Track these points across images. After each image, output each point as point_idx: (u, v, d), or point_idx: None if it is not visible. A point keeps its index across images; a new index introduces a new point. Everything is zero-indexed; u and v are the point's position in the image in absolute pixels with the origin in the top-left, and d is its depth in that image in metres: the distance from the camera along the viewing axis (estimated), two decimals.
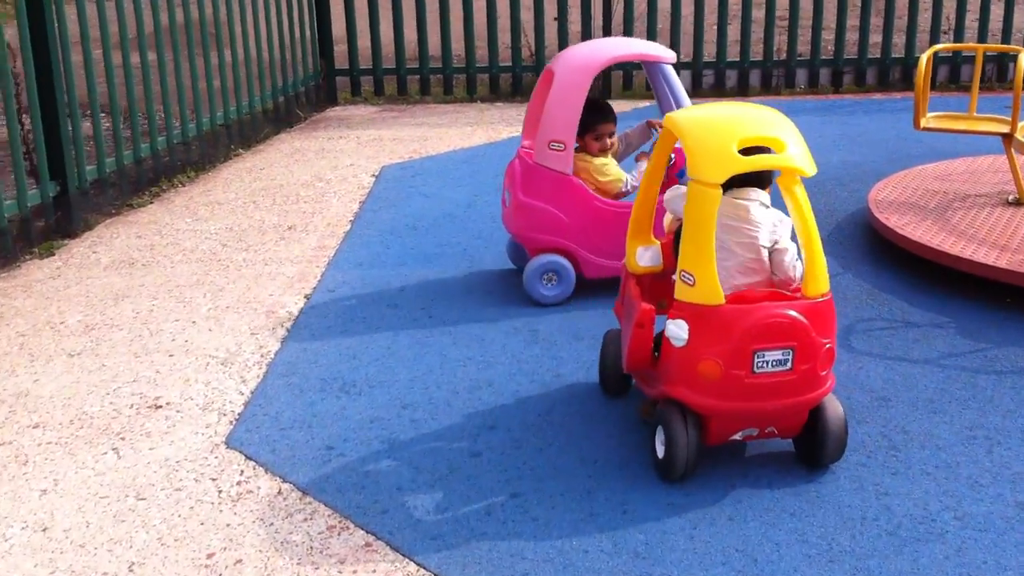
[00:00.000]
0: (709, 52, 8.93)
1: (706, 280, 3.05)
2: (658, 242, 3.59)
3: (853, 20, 8.77)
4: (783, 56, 8.81)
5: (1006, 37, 8.77)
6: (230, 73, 7.68)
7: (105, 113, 6.67)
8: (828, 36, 8.91)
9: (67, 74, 5.82)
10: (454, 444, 3.53)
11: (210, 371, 4.13)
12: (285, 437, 3.62)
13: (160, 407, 3.86)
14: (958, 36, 8.63)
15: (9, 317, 4.72)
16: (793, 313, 3.05)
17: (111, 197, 6.29)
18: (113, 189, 6.34)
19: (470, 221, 5.80)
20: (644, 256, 3.53)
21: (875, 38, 8.95)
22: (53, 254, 5.54)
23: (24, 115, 5.64)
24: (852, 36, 8.84)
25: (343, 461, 3.45)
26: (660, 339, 3.31)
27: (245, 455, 3.52)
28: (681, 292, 3.12)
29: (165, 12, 6.95)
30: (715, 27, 8.70)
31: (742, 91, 8.79)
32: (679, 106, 4.63)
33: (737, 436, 3.21)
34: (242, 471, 3.43)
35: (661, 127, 4.73)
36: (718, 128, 3.15)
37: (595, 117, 4.63)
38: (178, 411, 3.83)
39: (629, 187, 4.66)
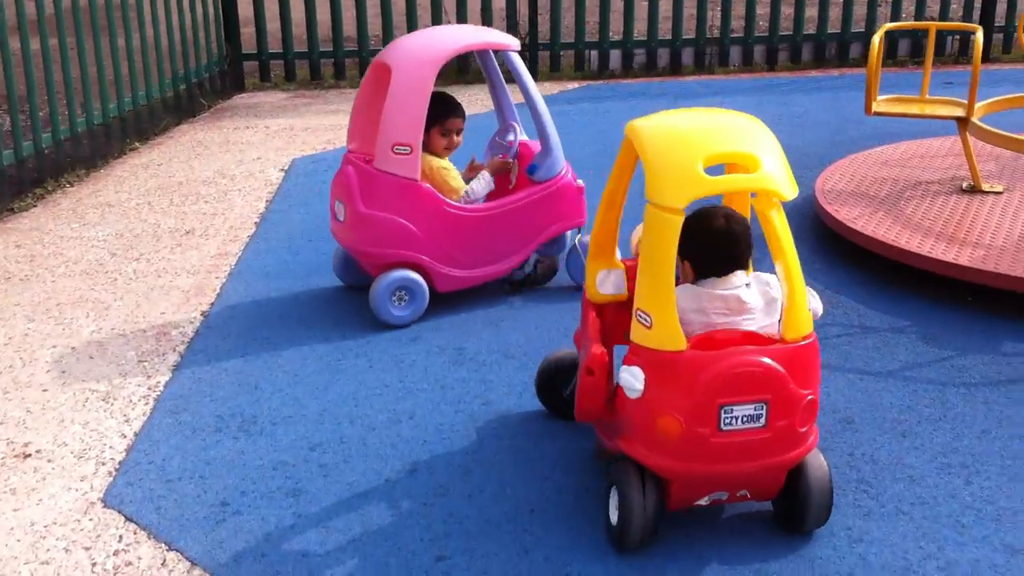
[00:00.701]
0: (640, 30, 8.51)
1: (665, 322, 2.59)
2: (622, 265, 3.12)
3: None
4: (716, 33, 8.43)
5: (968, 9, 8.47)
6: (124, 60, 7.05)
7: None
8: (762, 11, 8.56)
9: None
10: (370, 494, 3.07)
11: (89, 409, 3.61)
12: (172, 491, 3.12)
13: (29, 456, 3.34)
14: (919, 10, 8.28)
15: None
16: (767, 360, 2.58)
17: None
18: None
19: None
20: (606, 282, 3.04)
21: (810, 11, 8.60)
22: None
23: None
24: (787, 11, 8.48)
25: (240, 521, 2.97)
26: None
27: (125, 516, 3.02)
28: (637, 334, 2.66)
29: None
30: (646, 3, 8.28)
31: (674, 70, 8.40)
32: (528, 97, 4.23)
33: (703, 501, 2.76)
34: (120, 536, 2.93)
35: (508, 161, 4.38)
36: (682, 142, 2.68)
37: (442, 110, 4.15)
38: (49, 460, 3.31)
39: (468, 200, 4.20)
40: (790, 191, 2.64)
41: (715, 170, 2.70)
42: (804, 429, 2.66)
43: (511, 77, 4.37)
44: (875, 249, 4.38)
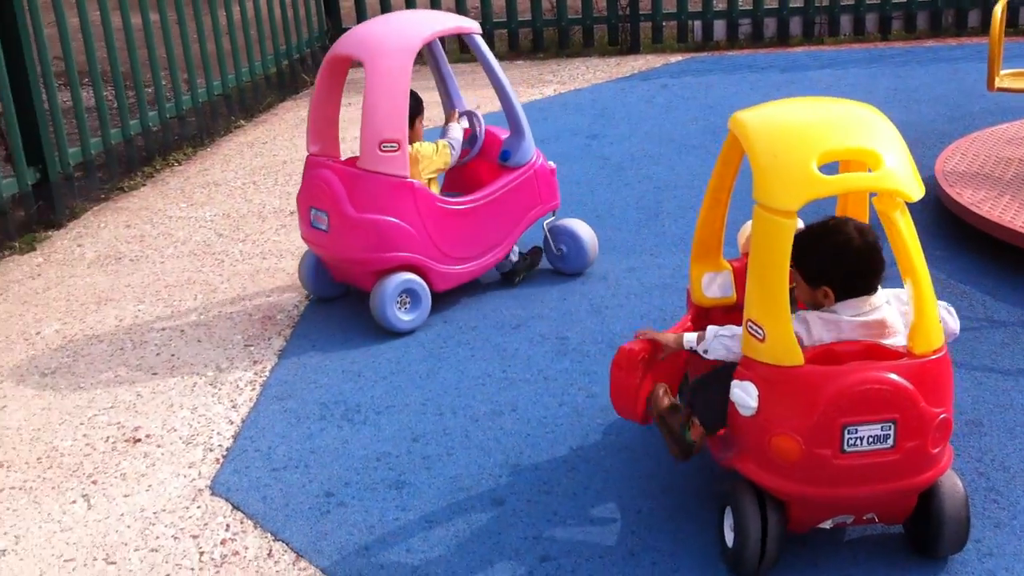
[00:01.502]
0: None
1: (779, 334, 2.43)
2: (729, 267, 3.01)
3: None
4: (826, 2, 8.12)
5: None
6: (226, 37, 7.11)
7: (89, 86, 6.14)
8: None
9: (39, 44, 5.28)
10: (473, 489, 3.03)
11: (197, 394, 3.64)
12: (278, 480, 3.13)
13: (139, 440, 3.39)
14: None
15: None
16: (895, 377, 2.40)
17: (99, 180, 5.78)
18: (101, 171, 5.83)
19: None
20: (712, 285, 2.93)
21: None
22: (35, 248, 5.06)
23: None
24: None
25: (344, 513, 2.96)
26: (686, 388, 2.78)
27: (232, 504, 3.04)
28: (749, 347, 2.51)
29: None
30: None
31: (782, 41, 8.13)
32: (496, 80, 4.10)
33: (826, 524, 2.60)
34: (228, 525, 2.95)
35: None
36: (793, 137, 2.51)
37: (412, 105, 3.95)
38: (159, 446, 3.35)
39: (457, 150, 4.10)
40: (917, 191, 2.47)
41: (830, 168, 2.55)
42: (937, 450, 2.48)
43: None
44: (1001, 236, 4.15)
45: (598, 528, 2.83)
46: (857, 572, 2.62)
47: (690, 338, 2.71)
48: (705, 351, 2.67)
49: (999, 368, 3.49)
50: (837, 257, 2.54)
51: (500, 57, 8.28)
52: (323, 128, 4.05)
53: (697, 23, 8.22)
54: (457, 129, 4.16)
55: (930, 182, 4.83)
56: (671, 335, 2.79)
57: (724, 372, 2.62)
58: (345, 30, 8.45)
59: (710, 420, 2.69)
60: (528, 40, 8.39)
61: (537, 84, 7.43)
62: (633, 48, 8.19)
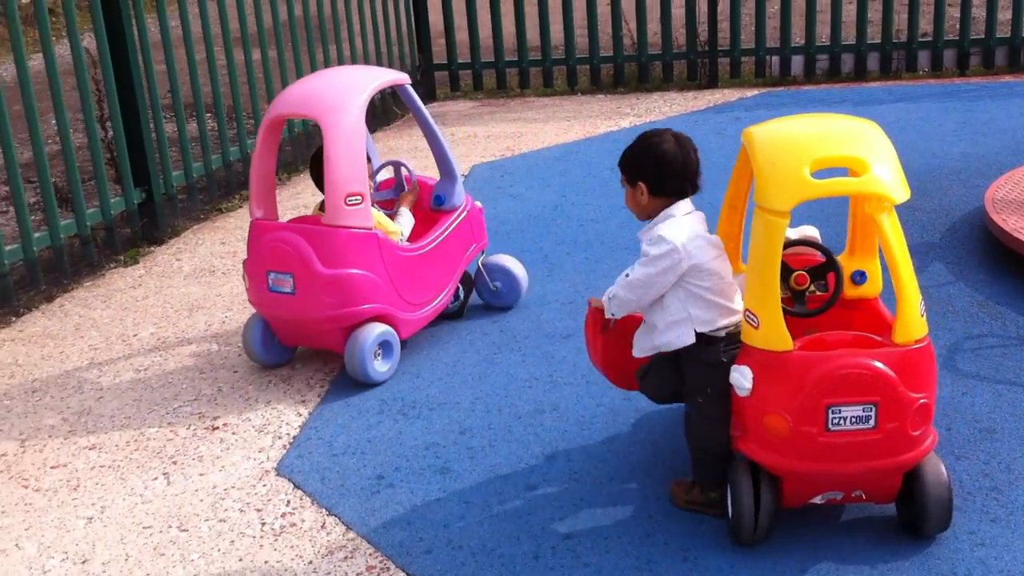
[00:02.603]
0: (823, 35, 8.43)
1: (771, 322, 2.70)
2: (746, 268, 3.24)
3: None
4: (903, 38, 8.25)
5: None
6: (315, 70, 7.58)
7: (194, 116, 6.67)
8: (953, 14, 8.31)
9: (148, 78, 5.80)
10: (510, 476, 3.32)
11: (271, 390, 4.01)
12: (336, 464, 3.47)
13: (217, 428, 3.76)
14: None
15: (85, 329, 4.70)
16: (876, 363, 2.64)
17: (200, 202, 6.27)
18: (202, 194, 6.32)
19: (554, 224, 5.54)
20: None
21: (1005, 15, 8.29)
22: (137, 262, 5.54)
23: (107, 123, 5.64)
24: (979, 13, 8.21)
25: (392, 493, 3.27)
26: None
27: (294, 483, 3.38)
28: (745, 335, 2.78)
29: (261, 11, 6.89)
30: (829, 7, 8.20)
31: (859, 76, 8.27)
32: (428, 126, 4.26)
33: (818, 500, 2.83)
34: (288, 501, 3.29)
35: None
36: (790, 146, 2.78)
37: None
38: (234, 433, 3.72)
39: (406, 238, 4.15)
40: (901, 194, 2.70)
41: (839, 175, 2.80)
42: (917, 432, 2.70)
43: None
44: None
45: (619, 513, 3.08)
46: (851, 551, 2.82)
47: (606, 299, 3.04)
48: (612, 314, 3.04)
49: (1021, 382, 3.63)
50: (651, 155, 2.95)
51: (582, 91, 8.65)
52: (264, 191, 4.07)
53: (775, 58, 8.41)
54: (407, 220, 4.20)
55: (981, 210, 4.98)
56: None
57: (659, 359, 3.02)
58: (437, 66, 8.91)
59: (659, 397, 3.14)
60: (609, 75, 8.70)
61: (614, 117, 7.72)
62: (711, 83, 8.43)
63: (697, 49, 8.41)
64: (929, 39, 8.23)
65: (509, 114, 8.22)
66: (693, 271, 2.86)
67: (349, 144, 3.85)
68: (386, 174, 4.48)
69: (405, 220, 4.20)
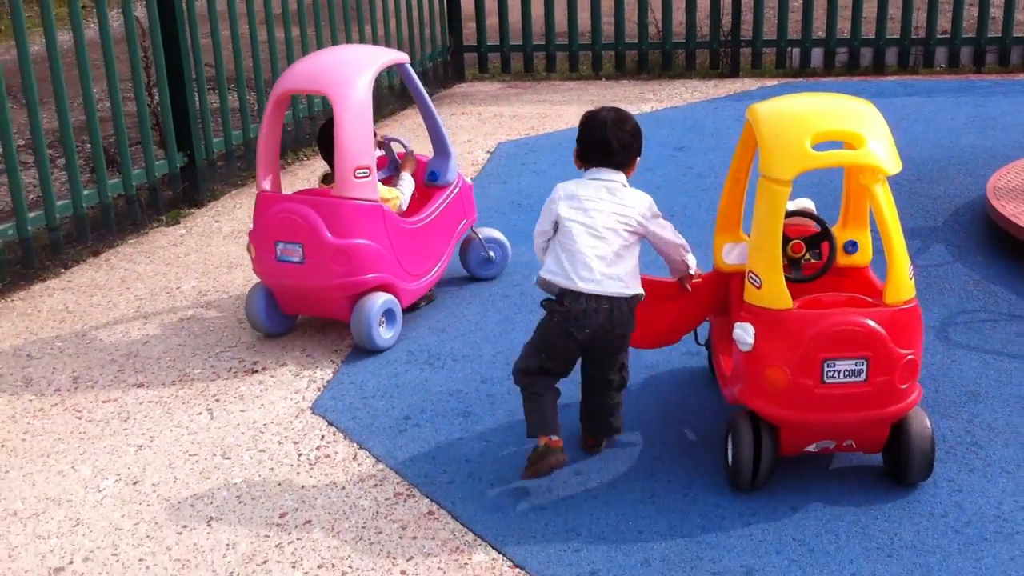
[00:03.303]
0: (843, 28, 8.64)
1: (774, 282, 2.95)
2: (747, 238, 3.51)
3: None
4: (922, 34, 8.45)
5: None
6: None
7: (234, 88, 6.95)
8: (972, 13, 8.51)
9: (195, 50, 6.09)
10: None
11: (307, 339, 4.29)
12: (367, 405, 3.75)
13: (256, 372, 4.05)
14: None
15: (131, 282, 5.00)
16: (868, 321, 2.88)
17: (238, 168, 6.56)
18: (240, 161, 6.61)
19: None
20: (731, 253, 3.43)
21: (1020, 15, 8.47)
22: (179, 222, 5.84)
23: (153, 89, 5.94)
24: (997, 13, 8.41)
25: (418, 431, 3.56)
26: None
27: (328, 421, 3.67)
28: (748, 294, 3.03)
29: None
30: (851, 3, 8.42)
31: (877, 70, 8.48)
32: (425, 104, 4.44)
33: (811, 448, 3.08)
34: (323, 436, 3.58)
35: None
36: (792, 121, 3.03)
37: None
38: (272, 376, 4.01)
39: (405, 205, 4.34)
40: (892, 166, 2.94)
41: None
42: (905, 386, 2.94)
43: None
44: None
45: (627, 453, 3.35)
46: (839, 494, 3.09)
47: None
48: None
49: (1007, 352, 3.88)
50: (585, 126, 3.28)
51: (607, 76, 8.89)
52: (271, 164, 4.21)
53: (796, 50, 8.63)
54: (407, 185, 4.38)
55: (983, 197, 5.22)
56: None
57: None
58: (466, 48, 9.17)
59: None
60: (634, 62, 8.94)
61: (636, 101, 7.96)
62: (733, 72, 8.65)
63: (720, 39, 8.65)
64: (947, 36, 8.44)
65: (535, 96, 8.48)
66: (559, 222, 3.24)
67: (359, 118, 3.98)
68: (378, 152, 4.55)
69: (406, 185, 4.37)
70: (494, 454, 3.40)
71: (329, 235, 3.97)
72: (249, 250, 4.23)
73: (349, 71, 4.10)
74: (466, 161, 6.75)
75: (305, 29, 7.28)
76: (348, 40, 7.69)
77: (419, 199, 4.47)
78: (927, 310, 4.23)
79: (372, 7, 7.94)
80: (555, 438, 3.12)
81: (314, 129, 7.31)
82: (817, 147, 2.99)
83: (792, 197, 3.52)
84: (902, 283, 2.95)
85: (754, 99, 8.03)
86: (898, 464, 3.06)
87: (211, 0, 6.36)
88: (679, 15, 8.78)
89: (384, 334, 4.09)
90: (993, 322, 4.14)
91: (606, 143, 3.22)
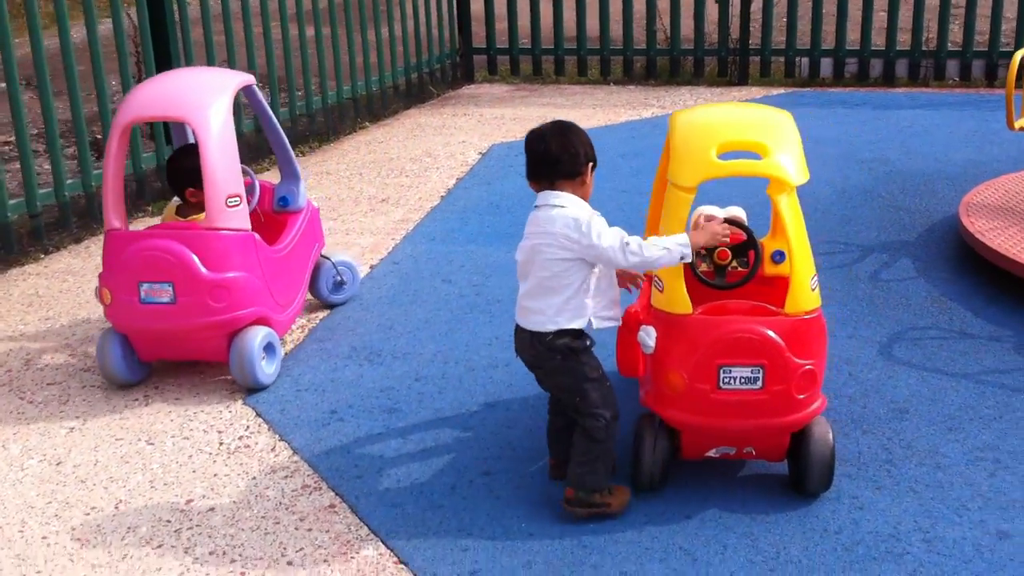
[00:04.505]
0: (853, 39, 8.55)
1: (674, 287, 2.95)
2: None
3: (1011, 9, 8.20)
4: (933, 46, 8.32)
5: None
6: (361, 51, 7.93)
7: None
8: (983, 27, 8.36)
9: (186, 52, 6.20)
10: (451, 420, 3.61)
11: None
12: (298, 398, 3.79)
13: (199, 362, 4.11)
14: None
15: None
16: (764, 330, 2.87)
17: None
18: None
19: None
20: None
21: None
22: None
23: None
24: (1008, 27, 8.25)
25: (341, 426, 3.59)
26: None
27: (256, 412, 3.71)
28: (653, 298, 3.04)
29: None
30: (859, 13, 8.32)
31: (888, 82, 8.37)
32: (272, 127, 4.24)
33: (712, 453, 3.07)
34: (247, 426, 3.63)
35: None
36: (701, 130, 3.04)
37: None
38: (213, 366, 4.06)
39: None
40: (797, 178, 2.93)
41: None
42: (803, 396, 2.92)
43: None
44: (996, 261, 4.44)
45: (539, 457, 3.34)
46: (739, 503, 3.07)
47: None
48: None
49: (947, 371, 3.82)
50: (526, 143, 3.08)
51: (615, 81, 8.87)
52: (119, 200, 3.86)
53: (804, 59, 8.55)
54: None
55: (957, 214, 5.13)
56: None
57: None
58: (476, 50, 9.20)
59: None
60: (642, 67, 8.92)
61: (638, 107, 7.94)
62: (741, 80, 8.59)
63: (728, 47, 8.59)
64: (959, 49, 8.30)
65: (540, 99, 8.49)
66: None
67: (225, 144, 3.77)
68: None
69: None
70: (410, 451, 3.42)
71: (204, 270, 3.72)
72: (101, 297, 3.85)
73: (207, 95, 3.84)
74: (457, 161, 6.79)
75: (321, 30, 7.37)
76: (365, 42, 7.78)
77: (272, 226, 4.25)
78: (879, 325, 4.20)
79: (375, 10, 8.00)
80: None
81: (311, 127, 7.40)
82: (735, 156, 2.99)
83: (726, 204, 3.53)
84: (802, 294, 2.93)
85: None
86: (798, 474, 3.04)
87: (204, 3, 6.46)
88: (688, 22, 8.74)
89: (267, 369, 3.84)
90: (942, 339, 4.07)
91: (539, 156, 3.03)
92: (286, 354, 4.13)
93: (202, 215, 3.83)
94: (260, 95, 4.23)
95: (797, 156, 2.98)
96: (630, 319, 3.19)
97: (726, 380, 2.89)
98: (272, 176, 6.47)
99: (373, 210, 5.90)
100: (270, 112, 4.29)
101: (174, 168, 4.02)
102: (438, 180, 6.41)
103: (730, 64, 8.64)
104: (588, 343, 3.02)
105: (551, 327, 2.97)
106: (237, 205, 3.79)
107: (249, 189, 4.06)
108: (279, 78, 7.22)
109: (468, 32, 9.11)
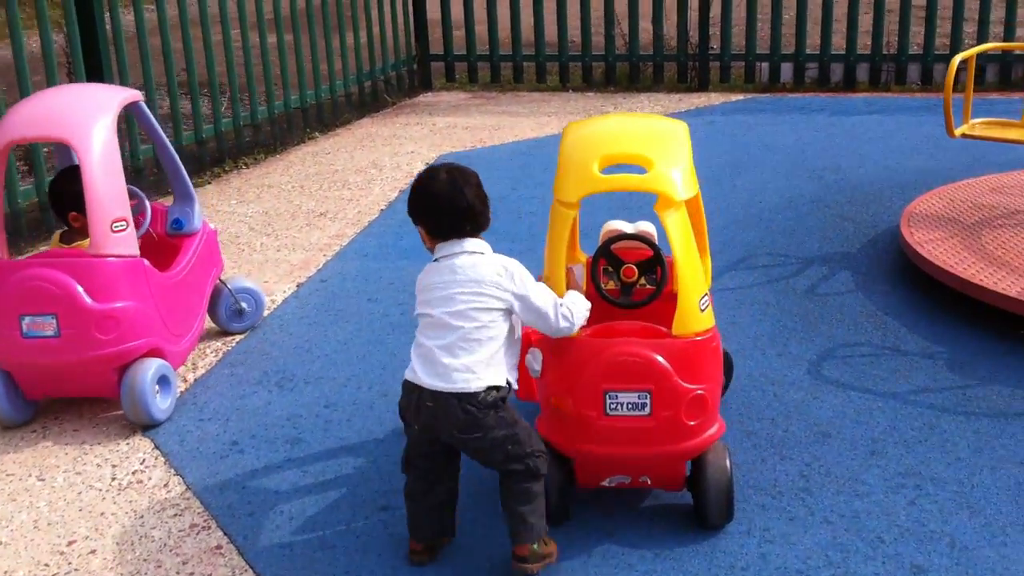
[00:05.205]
0: (813, 44, 8.42)
1: None
2: (585, 258, 3.34)
3: (975, 13, 8.09)
4: (893, 50, 8.20)
5: None
6: (308, 58, 7.79)
7: (169, 92, 6.91)
8: (944, 29, 8.25)
9: (120, 65, 6.05)
10: (355, 448, 3.46)
11: None
12: (199, 428, 3.63)
13: None
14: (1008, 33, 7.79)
15: None
16: (649, 353, 2.71)
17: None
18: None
19: (493, 215, 5.64)
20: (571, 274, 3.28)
21: (996, 29, 8.20)
22: None
23: None
24: (969, 29, 8.14)
25: (240, 458, 3.43)
26: None
27: (154, 444, 3.56)
28: None
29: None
30: (820, 18, 8.19)
31: (848, 86, 8.25)
32: (163, 146, 4.04)
33: (607, 483, 2.91)
34: (143, 459, 3.47)
35: None
36: (585, 143, 2.91)
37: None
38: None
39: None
40: (683, 192, 2.78)
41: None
42: (694, 423, 2.77)
43: None
44: (934, 275, 4.30)
45: None
46: (644, 536, 2.92)
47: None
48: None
49: (875, 390, 3.67)
50: (421, 198, 2.75)
51: (574, 88, 8.72)
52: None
53: (764, 65, 8.43)
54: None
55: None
56: None
57: None
58: (433, 57, 9.05)
59: None
60: (602, 74, 8.78)
61: (595, 114, 7.80)
62: (702, 86, 8.47)
63: (687, 52, 8.46)
64: (920, 53, 8.18)
65: (496, 107, 8.35)
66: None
67: (109, 165, 3.57)
68: None
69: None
70: (307, 484, 3.27)
71: (89, 300, 3.51)
72: None
73: (90, 114, 3.62)
74: (402, 173, 6.64)
75: (282, 36, 7.22)
76: (314, 49, 7.64)
77: (165, 249, 4.05)
78: (811, 341, 4.06)
79: (324, 16, 7.87)
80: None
81: (256, 138, 7.25)
82: (622, 170, 2.85)
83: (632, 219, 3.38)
84: (690, 315, 2.78)
85: (713, 114, 7.90)
86: (697, 506, 2.89)
87: (139, 14, 6.31)
88: (648, 27, 8.61)
89: (161, 404, 3.65)
90: (874, 356, 3.93)
91: (460, 211, 2.72)
92: (196, 379, 3.98)
93: (87, 241, 3.62)
94: (147, 111, 4.02)
95: (685, 169, 2.84)
96: (525, 338, 3.05)
97: (612, 406, 2.74)
98: (218, 190, 6.34)
99: (310, 224, 5.75)
100: (159, 129, 4.09)
101: (55, 192, 3.81)
102: (379, 193, 6.27)
103: (690, 70, 8.50)
104: (509, 388, 2.79)
105: (479, 384, 2.68)
106: (124, 230, 3.60)
107: (138, 210, 3.86)
108: (221, 85, 7.06)
109: (425, 39, 8.98)
